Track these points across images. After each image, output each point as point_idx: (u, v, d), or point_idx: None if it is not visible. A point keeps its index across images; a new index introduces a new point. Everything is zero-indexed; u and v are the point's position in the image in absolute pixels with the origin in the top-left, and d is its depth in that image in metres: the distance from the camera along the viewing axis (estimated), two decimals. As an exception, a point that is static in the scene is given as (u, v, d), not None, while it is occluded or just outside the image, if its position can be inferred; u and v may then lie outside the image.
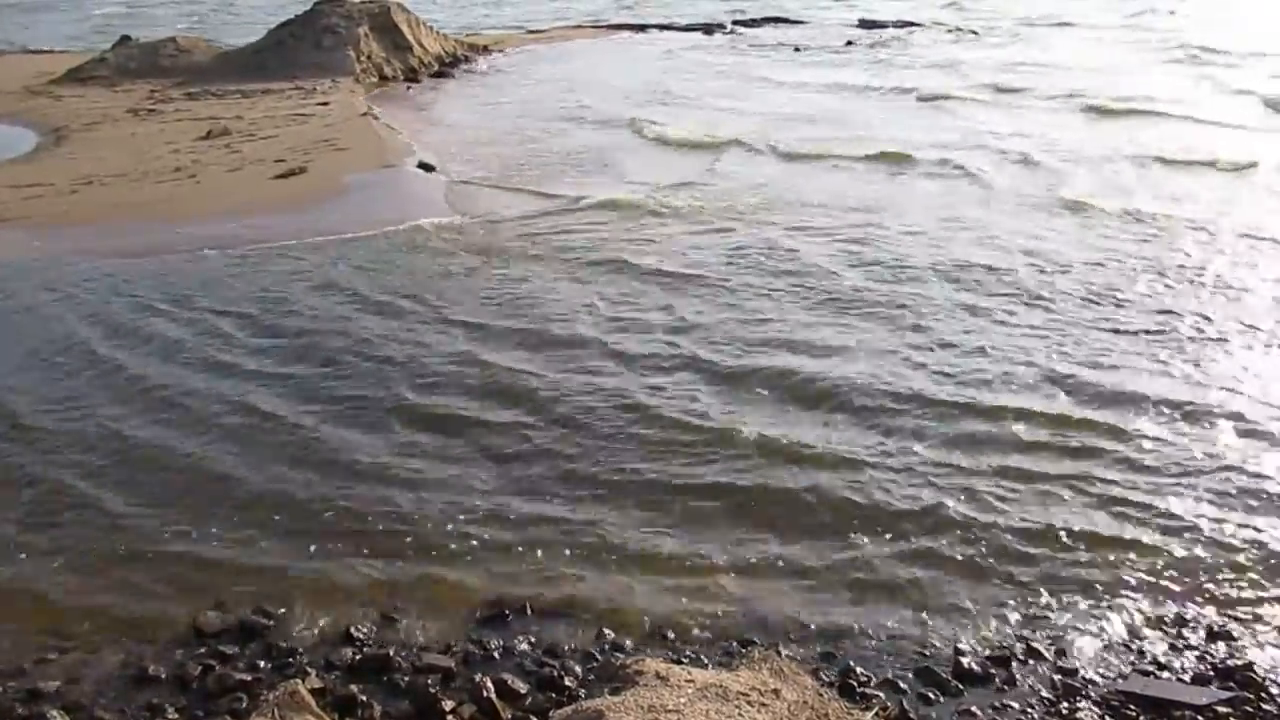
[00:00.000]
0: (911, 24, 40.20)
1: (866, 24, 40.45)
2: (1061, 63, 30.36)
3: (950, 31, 38.62)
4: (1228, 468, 8.91)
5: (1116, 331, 11.62)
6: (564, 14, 45.73)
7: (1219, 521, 8.17)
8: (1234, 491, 8.57)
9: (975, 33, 38.01)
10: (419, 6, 35.06)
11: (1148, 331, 11.61)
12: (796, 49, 34.90)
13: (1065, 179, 18.04)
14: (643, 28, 40.71)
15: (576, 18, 44.37)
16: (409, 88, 29.08)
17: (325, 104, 25.14)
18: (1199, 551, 7.81)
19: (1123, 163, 19.19)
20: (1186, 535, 8.00)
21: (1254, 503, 8.42)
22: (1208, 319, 11.92)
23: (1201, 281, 13.09)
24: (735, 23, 41.86)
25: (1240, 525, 8.12)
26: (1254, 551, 7.79)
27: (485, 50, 34.65)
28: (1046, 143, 20.70)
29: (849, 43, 36.00)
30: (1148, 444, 9.26)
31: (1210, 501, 8.43)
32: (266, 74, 28.54)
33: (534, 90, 27.78)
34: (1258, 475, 8.78)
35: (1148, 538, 7.97)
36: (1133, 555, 7.76)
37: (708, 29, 40.35)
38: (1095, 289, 12.83)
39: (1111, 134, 21.49)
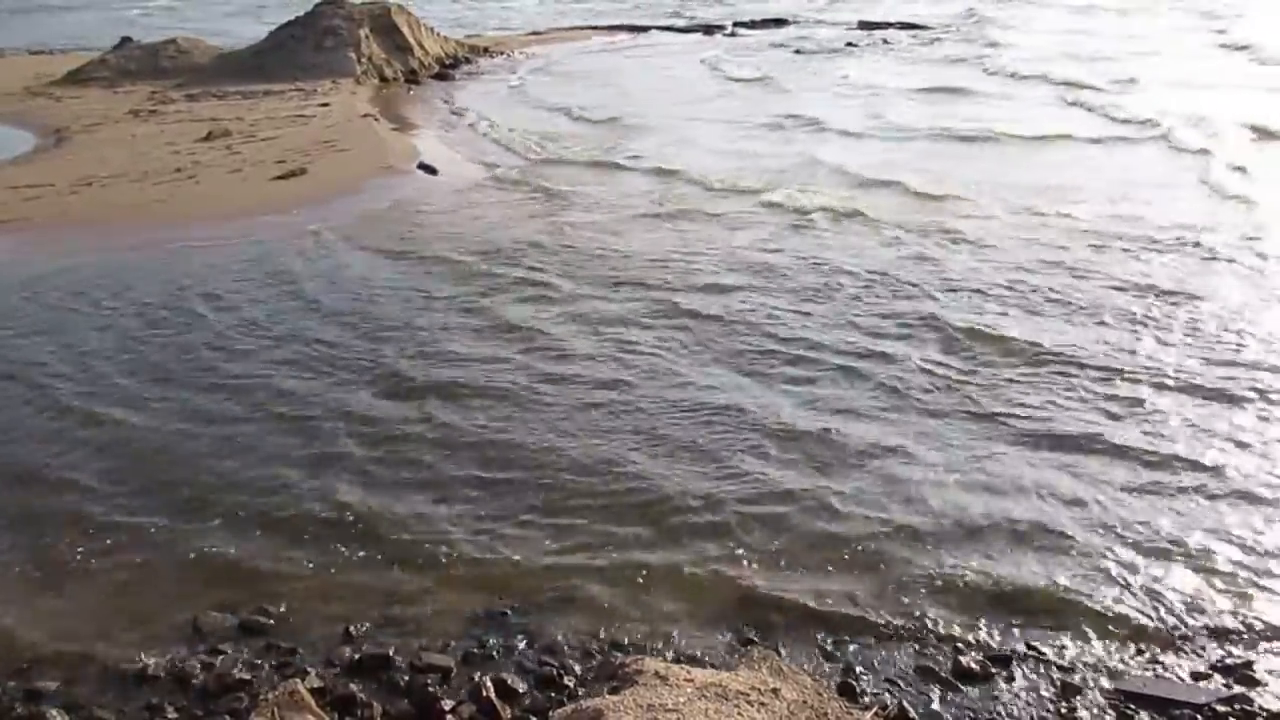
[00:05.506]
0: (915, 26, 40.19)
1: (866, 25, 40.46)
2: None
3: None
4: (1225, 460, 8.91)
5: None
6: (564, 14, 45.81)
7: (1217, 518, 8.17)
8: (1233, 489, 8.55)
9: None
10: (419, 7, 35.07)
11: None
12: (797, 51, 34.98)
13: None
14: (643, 29, 40.83)
15: (576, 18, 44.48)
16: (410, 89, 29.11)
17: (326, 105, 25.16)
18: (1197, 549, 7.80)
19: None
20: (1184, 532, 8.00)
21: (1253, 500, 8.40)
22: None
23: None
24: (736, 24, 41.98)
25: (1238, 521, 8.11)
26: (1253, 549, 7.78)
27: (486, 52, 34.71)
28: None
29: (849, 44, 36.04)
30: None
31: (1209, 499, 8.43)
32: (267, 75, 28.57)
33: (531, 89, 27.81)
34: (1256, 471, 8.77)
35: (1145, 536, 7.97)
36: (1131, 552, 7.76)
37: (708, 30, 40.48)
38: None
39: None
